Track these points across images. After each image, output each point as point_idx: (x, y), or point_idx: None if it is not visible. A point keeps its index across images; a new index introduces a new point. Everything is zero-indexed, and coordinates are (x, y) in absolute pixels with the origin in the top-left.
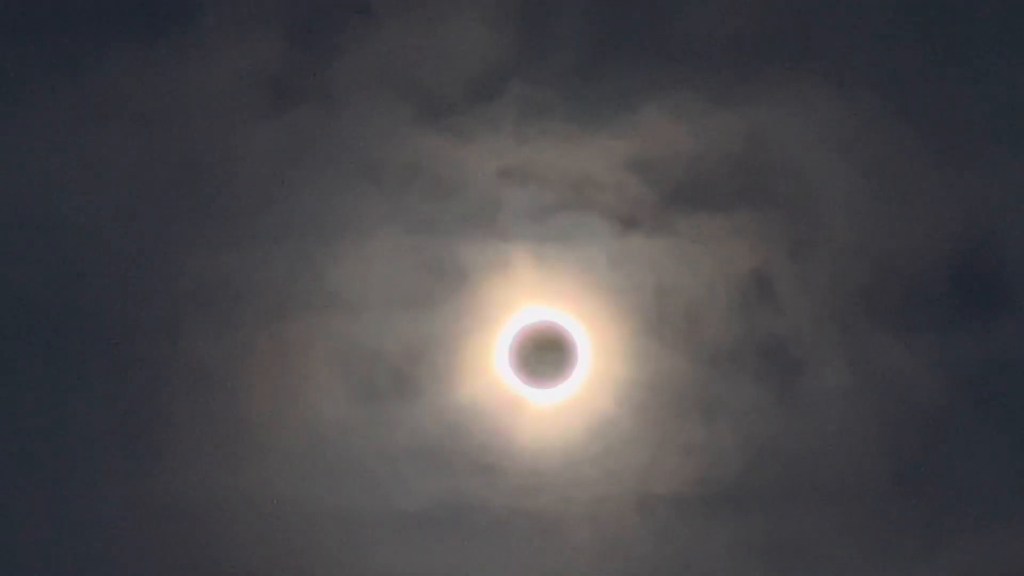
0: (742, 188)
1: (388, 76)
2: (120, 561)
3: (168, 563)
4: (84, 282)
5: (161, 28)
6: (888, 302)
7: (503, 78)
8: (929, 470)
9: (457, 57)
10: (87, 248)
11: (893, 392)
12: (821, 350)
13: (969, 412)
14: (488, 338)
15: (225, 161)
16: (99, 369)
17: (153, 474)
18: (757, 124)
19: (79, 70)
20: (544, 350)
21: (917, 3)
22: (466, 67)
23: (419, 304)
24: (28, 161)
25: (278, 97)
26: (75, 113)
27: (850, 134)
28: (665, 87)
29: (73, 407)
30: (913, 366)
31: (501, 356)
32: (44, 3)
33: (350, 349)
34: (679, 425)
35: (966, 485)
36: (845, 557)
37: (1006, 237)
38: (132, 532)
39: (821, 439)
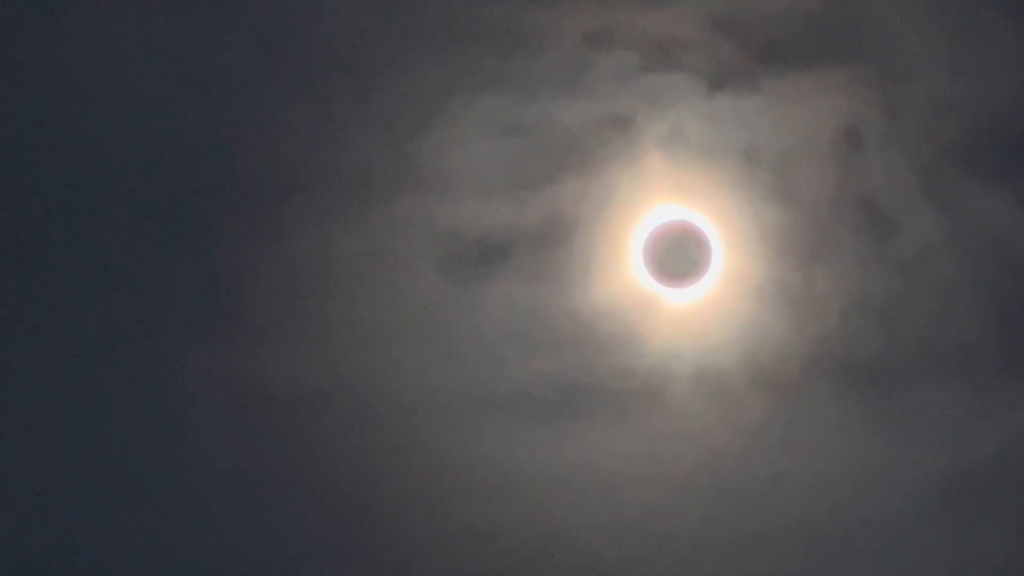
0: (829, 45)
1: None
2: (206, 445)
3: (257, 449)
4: (173, 164)
5: None
6: (979, 155)
7: None
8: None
9: None
10: (173, 128)
11: (988, 245)
12: (915, 205)
13: None
14: (594, 215)
15: (302, 36)
16: (189, 252)
17: (245, 358)
18: None
19: None
20: (673, 246)
21: None
22: None
23: (521, 184)
24: (108, 43)
25: None
26: None
27: None
28: None
29: (164, 289)
30: (1007, 219)
31: (619, 242)
32: None
33: (453, 233)
34: (778, 284)
35: None
36: (951, 414)
37: None
38: (224, 417)
39: (920, 297)
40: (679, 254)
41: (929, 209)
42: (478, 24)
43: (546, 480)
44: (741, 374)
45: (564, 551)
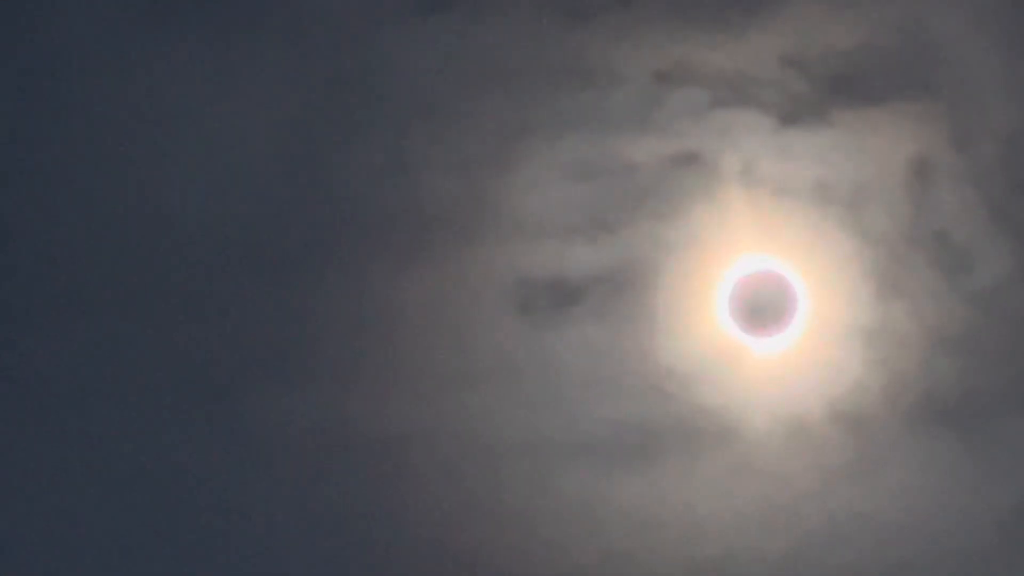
0: (900, 79)
1: None
2: (279, 491)
3: (333, 496)
4: (247, 205)
5: None
6: None
7: None
8: None
9: None
10: (245, 169)
11: None
12: (989, 238)
13: None
14: (671, 257)
15: (372, 76)
16: (264, 294)
17: (320, 404)
18: (912, 13)
19: None
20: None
21: None
22: None
23: (597, 226)
24: (170, 82)
25: (422, 3)
26: (216, 31)
27: (1009, 19)
28: None
29: (237, 331)
30: None
31: (698, 285)
32: None
33: (529, 276)
34: (858, 323)
35: None
36: None
37: None
38: (298, 463)
39: (996, 329)
40: (762, 301)
41: (1004, 240)
42: (548, 62)
43: (627, 523)
44: (822, 414)
45: None
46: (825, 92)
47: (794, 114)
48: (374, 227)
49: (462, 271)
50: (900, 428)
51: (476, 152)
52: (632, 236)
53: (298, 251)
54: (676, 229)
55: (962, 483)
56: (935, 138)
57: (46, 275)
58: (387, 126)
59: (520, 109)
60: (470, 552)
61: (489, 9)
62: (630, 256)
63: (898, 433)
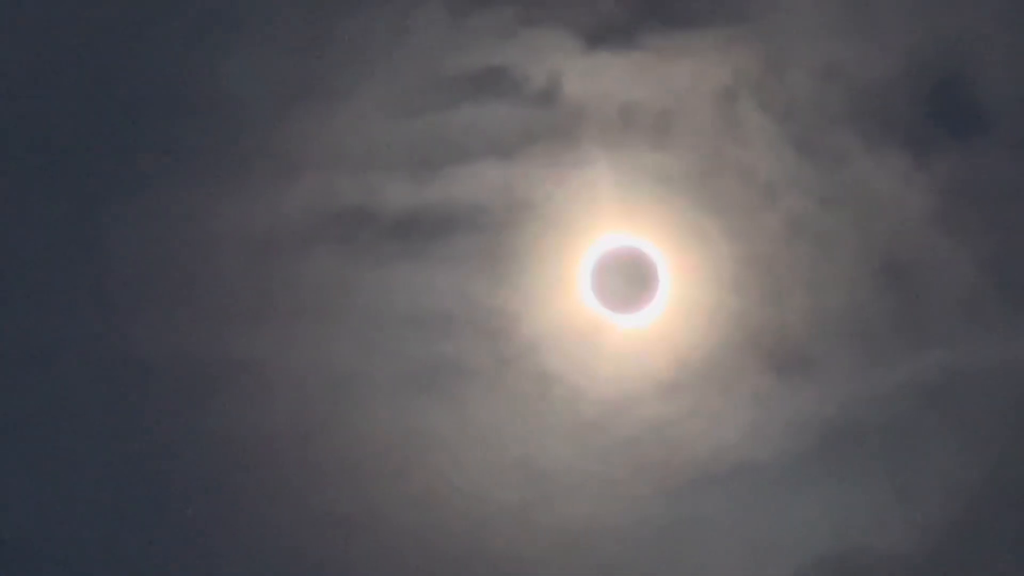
0: (712, 3)
1: None
2: (87, 419)
3: (150, 427)
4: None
5: None
6: (863, 121)
7: None
8: (907, 280)
9: None
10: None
11: (873, 208)
12: (796, 169)
13: (948, 224)
14: (491, 199)
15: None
16: (64, 215)
17: (137, 334)
18: None
19: None
20: None
21: None
22: None
23: (417, 166)
24: None
25: None
26: None
27: None
28: None
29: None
30: (889, 184)
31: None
32: None
33: (343, 207)
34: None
35: (940, 293)
36: (842, 369)
37: (982, 61)
38: (105, 392)
39: (805, 259)
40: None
41: (811, 172)
42: None
43: (435, 445)
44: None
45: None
46: (634, 14)
47: (602, 35)
48: (202, 162)
49: (280, 202)
50: (709, 346)
51: (301, 89)
52: (453, 176)
53: (107, 171)
54: (494, 169)
55: (776, 405)
56: (745, 66)
57: None
58: (204, 49)
59: (329, 33)
60: (292, 477)
61: None
62: (449, 195)
63: (709, 354)
